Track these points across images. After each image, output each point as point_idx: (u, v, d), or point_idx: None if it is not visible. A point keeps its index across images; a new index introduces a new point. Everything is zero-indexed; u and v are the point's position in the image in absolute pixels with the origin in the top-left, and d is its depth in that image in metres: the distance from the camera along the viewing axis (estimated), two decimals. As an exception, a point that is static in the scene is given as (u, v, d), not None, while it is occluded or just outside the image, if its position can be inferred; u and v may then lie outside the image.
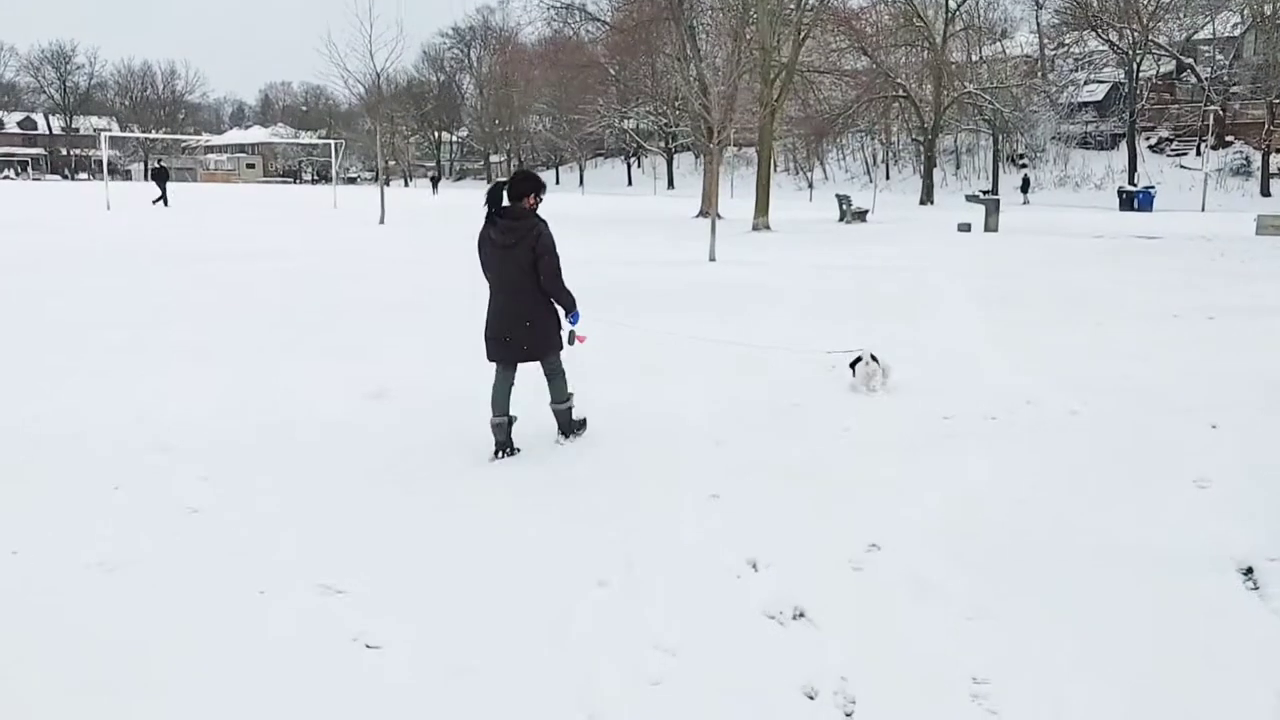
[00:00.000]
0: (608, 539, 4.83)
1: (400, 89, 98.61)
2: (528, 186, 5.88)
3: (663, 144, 70.71)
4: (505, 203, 5.91)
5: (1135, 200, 44.62)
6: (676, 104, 44.31)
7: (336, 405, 7.39)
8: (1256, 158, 51.87)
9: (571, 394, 6.31)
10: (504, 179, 6.08)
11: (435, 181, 72.15)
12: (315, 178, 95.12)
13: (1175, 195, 48.68)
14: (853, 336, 9.88)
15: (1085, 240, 24.68)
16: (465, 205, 43.72)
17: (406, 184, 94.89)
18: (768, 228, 29.20)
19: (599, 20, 47.80)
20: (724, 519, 5.14)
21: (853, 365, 8.10)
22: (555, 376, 6.23)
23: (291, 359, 9.10)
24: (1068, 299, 13.73)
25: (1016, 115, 57.08)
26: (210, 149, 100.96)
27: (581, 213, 39.29)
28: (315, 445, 6.39)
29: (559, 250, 5.94)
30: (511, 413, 6.11)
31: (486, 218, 5.88)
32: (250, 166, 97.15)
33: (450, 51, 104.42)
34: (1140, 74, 55.71)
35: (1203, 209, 43.99)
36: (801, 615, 4.12)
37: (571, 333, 6.11)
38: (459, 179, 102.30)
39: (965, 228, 27.64)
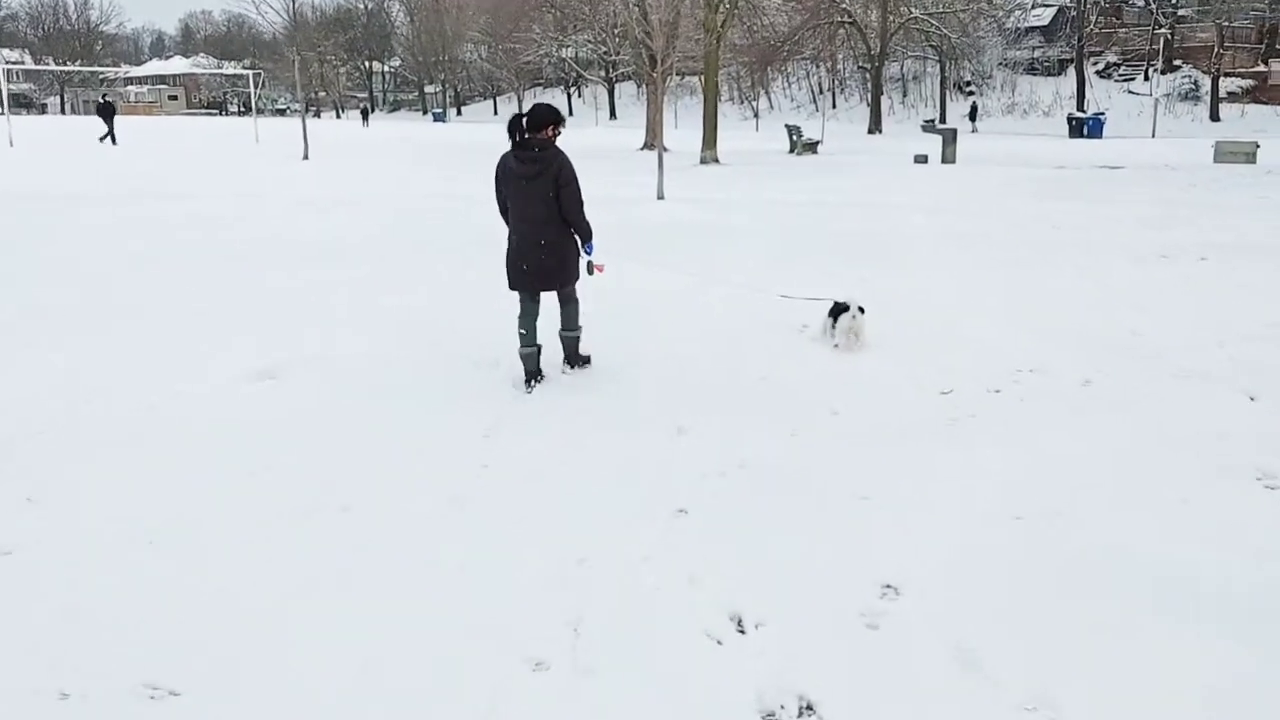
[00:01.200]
0: (549, 605, 3.67)
1: (327, 17, 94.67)
2: (549, 118, 5.87)
3: (603, 73, 68.56)
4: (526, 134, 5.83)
5: (1085, 127, 44.00)
6: (617, 31, 42.41)
7: (222, 384, 6.12)
8: (1205, 82, 51.22)
9: (580, 326, 6.42)
10: (521, 112, 5.99)
11: (365, 113, 69.24)
12: (242, 109, 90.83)
13: (1125, 122, 48.06)
14: (822, 282, 8.91)
15: (1048, 170, 23.80)
16: (396, 137, 41.95)
17: (338, 115, 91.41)
18: (716, 161, 27.88)
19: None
20: (694, 549, 4.03)
21: (833, 314, 7.05)
22: (569, 304, 6.33)
23: (152, 337, 7.72)
24: (1046, 236, 12.78)
25: (963, 41, 55.73)
26: (130, 81, 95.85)
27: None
28: (202, 434, 5.14)
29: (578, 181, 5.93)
30: (539, 341, 6.21)
31: (510, 148, 5.86)
32: (173, 98, 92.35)
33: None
34: (1088, -3, 54.67)
35: (1153, 135, 43.57)
36: (809, 710, 3.05)
37: (590, 263, 6.15)
38: (393, 110, 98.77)
39: (922, 159, 26.58)
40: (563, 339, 6.43)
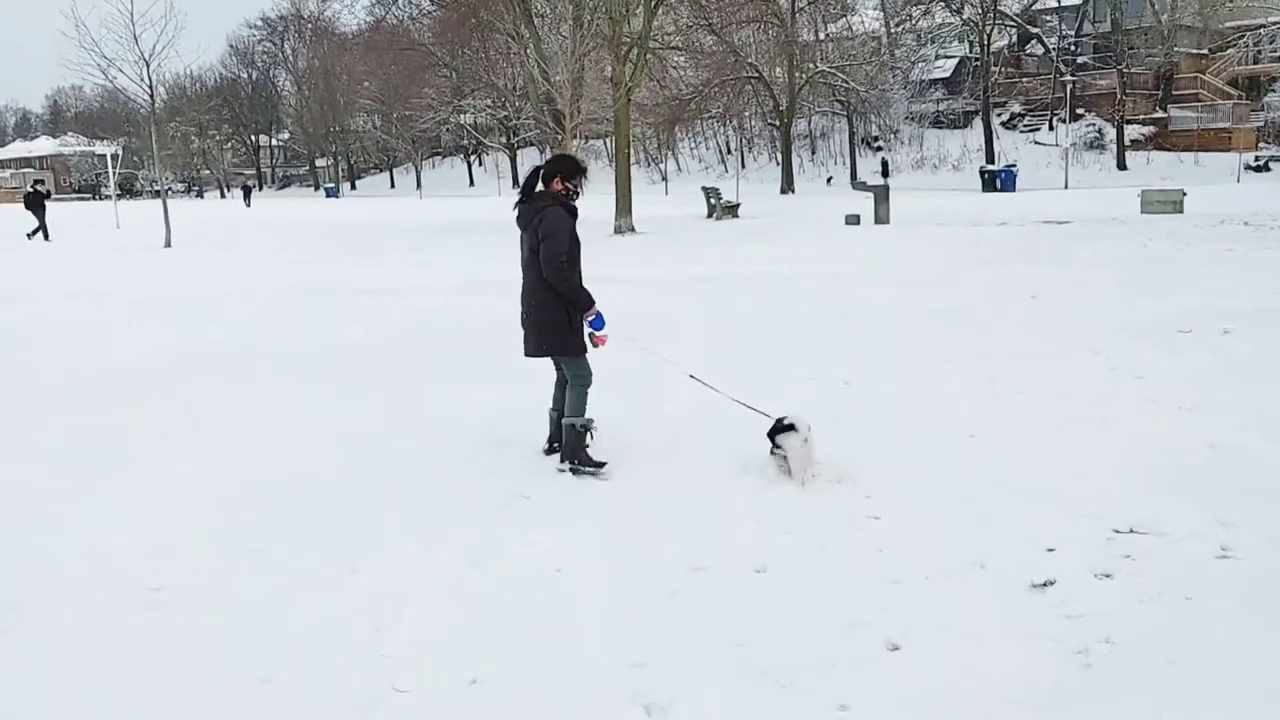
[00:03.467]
0: None
1: (208, 89, 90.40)
2: (555, 168, 5.56)
3: (504, 139, 66.26)
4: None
5: (998, 180, 43.20)
6: (517, 92, 40.10)
7: None
8: (1109, 130, 51.41)
9: (590, 421, 5.62)
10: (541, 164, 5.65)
11: (248, 192, 63.03)
12: (119, 192, 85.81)
13: (1034, 173, 47.51)
14: (796, 389, 7.08)
15: (992, 229, 21.91)
16: (281, 223, 38.11)
17: (223, 195, 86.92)
18: (632, 229, 25.44)
19: None
20: None
21: (775, 436, 5.34)
22: (572, 386, 5.66)
23: None
24: (1032, 311, 10.73)
25: (871, 94, 55.08)
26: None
27: (417, 220, 34.84)
28: None
29: (565, 239, 5.40)
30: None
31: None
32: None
33: (261, 45, 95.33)
34: (990, 46, 54.53)
35: (1065, 186, 42.89)
36: None
37: (591, 334, 5.54)
38: (283, 186, 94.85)
39: (854, 220, 24.49)
40: (563, 427, 5.65)
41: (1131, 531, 4.50)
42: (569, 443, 5.59)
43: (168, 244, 24.37)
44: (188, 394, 7.69)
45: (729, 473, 5.42)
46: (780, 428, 5.25)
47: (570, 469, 5.53)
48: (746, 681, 3.33)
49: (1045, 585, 4.01)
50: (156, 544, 4.59)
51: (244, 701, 3.29)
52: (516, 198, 5.60)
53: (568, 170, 5.51)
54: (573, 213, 5.51)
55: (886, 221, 24.39)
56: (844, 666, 3.42)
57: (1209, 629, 3.63)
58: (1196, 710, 3.12)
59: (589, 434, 5.61)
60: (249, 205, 55.51)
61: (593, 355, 5.60)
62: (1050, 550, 4.34)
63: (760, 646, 3.56)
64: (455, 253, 20.39)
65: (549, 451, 5.83)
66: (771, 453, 5.34)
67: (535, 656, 3.55)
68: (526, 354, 5.70)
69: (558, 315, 5.46)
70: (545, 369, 5.84)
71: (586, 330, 5.50)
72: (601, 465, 5.58)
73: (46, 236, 27.93)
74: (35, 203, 28.56)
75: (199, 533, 4.74)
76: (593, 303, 5.48)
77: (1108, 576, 4.08)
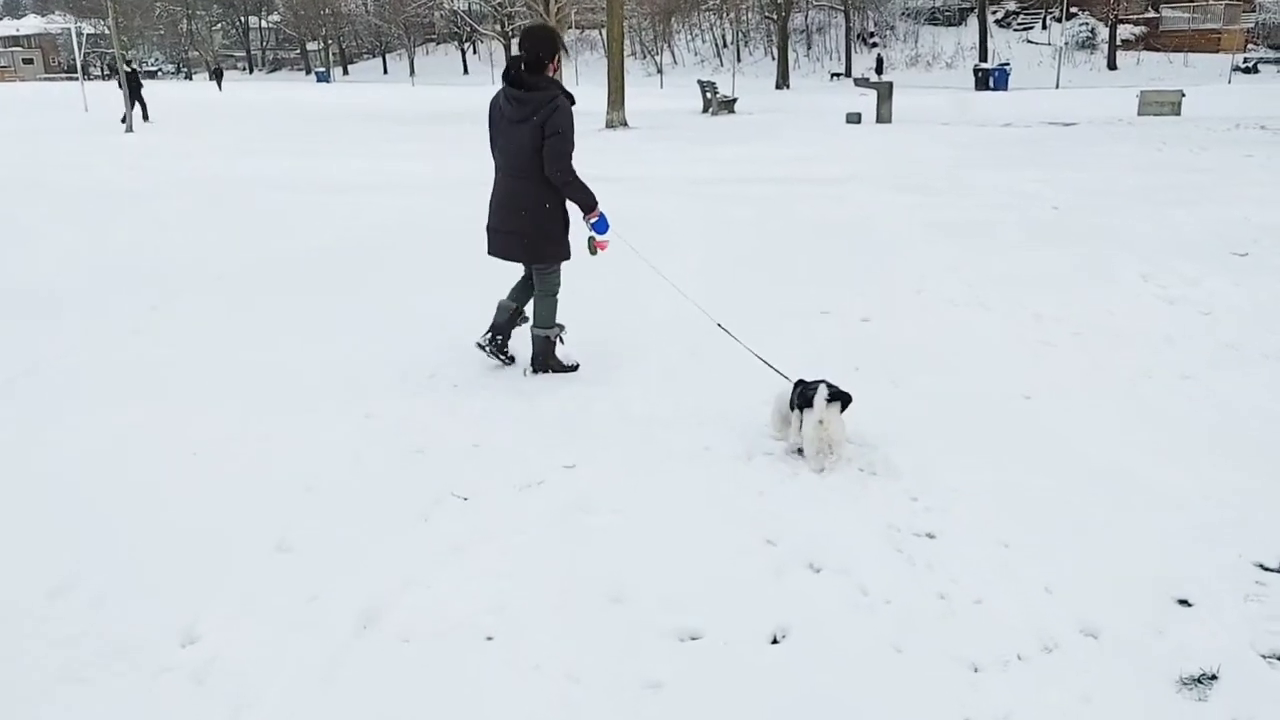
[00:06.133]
0: None
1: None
2: (552, 48, 4.88)
3: (498, 27, 64.14)
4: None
5: (990, 79, 42.48)
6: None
7: None
8: (1102, 30, 50.40)
9: (560, 327, 5.32)
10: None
11: (218, 74, 59.38)
12: (107, 72, 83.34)
13: (1025, 72, 46.86)
14: (806, 326, 6.27)
15: (996, 130, 21.27)
16: (252, 105, 36.94)
17: (211, 78, 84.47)
18: (624, 124, 24.70)
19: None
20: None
21: (799, 404, 4.19)
22: (543, 294, 5.20)
23: None
24: (1061, 226, 9.81)
25: (870, -13, 53.59)
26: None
27: (406, 110, 33.88)
28: None
29: (573, 134, 4.84)
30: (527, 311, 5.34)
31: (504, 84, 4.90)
32: (28, 62, 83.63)
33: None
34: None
35: (1057, 86, 42.03)
36: None
37: (591, 238, 5.06)
38: (274, 70, 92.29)
39: (855, 118, 23.77)
40: (532, 337, 5.32)
41: (1282, 571, 3.34)
42: (540, 351, 5.30)
43: (129, 128, 23.45)
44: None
45: (730, 458, 4.30)
46: (805, 399, 4.14)
47: (539, 374, 5.28)
48: None
49: (1202, 681, 2.76)
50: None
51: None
52: (502, 85, 4.93)
53: (552, 45, 4.87)
54: (573, 101, 4.93)
55: (889, 120, 23.68)
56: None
57: None
58: None
59: (559, 340, 5.37)
60: (220, 89, 53.43)
61: (592, 262, 5.20)
62: (1184, 604, 3.13)
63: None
64: (449, 140, 19.76)
65: (483, 345, 5.34)
66: (795, 421, 4.29)
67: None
68: (502, 254, 5.15)
69: (553, 217, 4.99)
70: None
71: (587, 234, 5.03)
72: (574, 368, 5.34)
73: (146, 116, 26.21)
74: (131, 83, 25.38)
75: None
76: (596, 203, 4.99)
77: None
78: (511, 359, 5.45)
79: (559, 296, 5.24)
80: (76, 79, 41.50)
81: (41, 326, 6.40)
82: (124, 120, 24.47)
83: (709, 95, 29.45)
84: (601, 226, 5.02)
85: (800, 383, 4.27)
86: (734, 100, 29.63)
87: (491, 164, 5.09)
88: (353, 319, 6.60)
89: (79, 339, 6.13)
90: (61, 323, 6.51)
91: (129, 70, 26.36)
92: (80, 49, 47.37)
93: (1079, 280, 7.60)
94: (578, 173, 4.90)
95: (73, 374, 5.45)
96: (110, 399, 5.01)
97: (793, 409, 4.26)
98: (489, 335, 5.33)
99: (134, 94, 25.36)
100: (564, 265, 5.23)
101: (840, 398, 4.09)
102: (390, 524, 3.63)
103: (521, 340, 5.47)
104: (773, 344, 5.21)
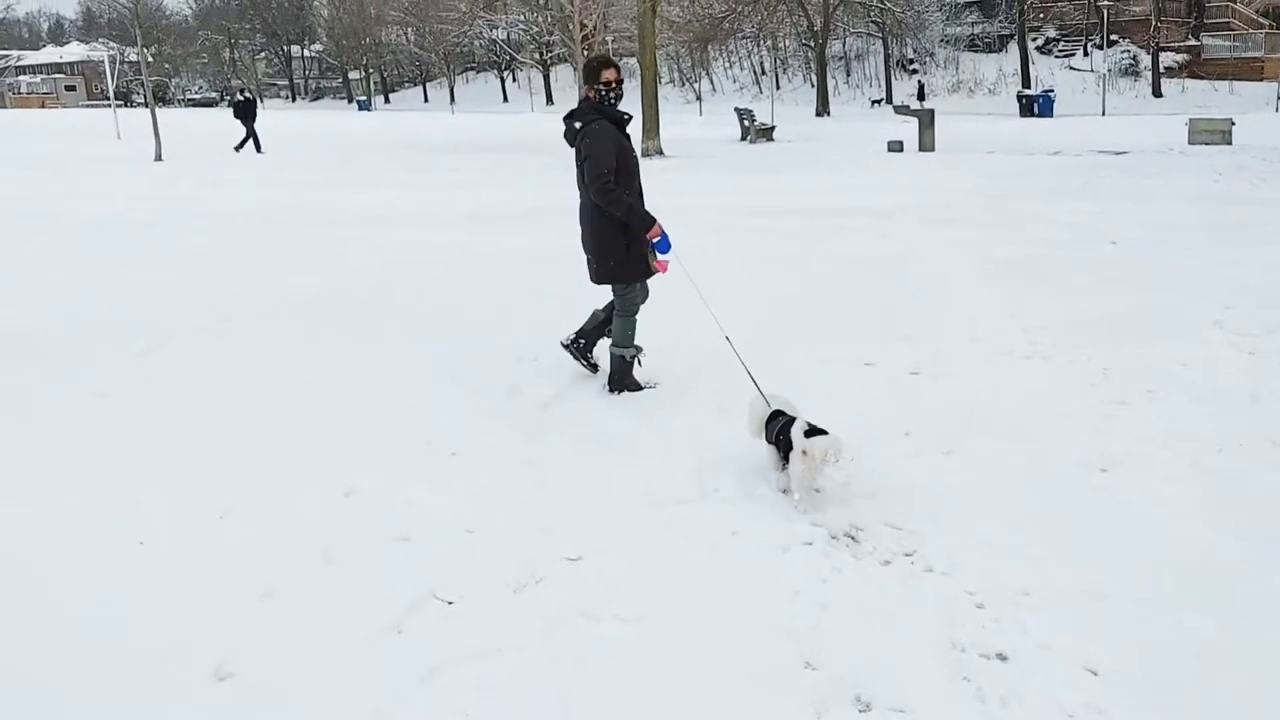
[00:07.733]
0: None
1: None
2: (584, 75, 5.24)
3: (537, 55, 64.43)
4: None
5: (1035, 105, 41.55)
6: (547, 7, 38.60)
7: None
8: (1143, 57, 49.85)
9: (638, 349, 5.43)
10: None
11: (244, 108, 58.94)
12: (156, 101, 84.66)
13: (1069, 99, 46.09)
14: (852, 376, 5.91)
15: (1045, 159, 20.51)
16: (290, 134, 36.42)
17: (236, 114, 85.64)
18: (660, 152, 24.23)
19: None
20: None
21: (777, 441, 4.19)
22: (621, 313, 5.37)
23: None
24: (1121, 265, 9.13)
25: (906, 15, 53.00)
26: (22, 70, 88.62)
27: (446, 139, 33.45)
28: None
29: (609, 156, 4.98)
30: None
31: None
32: (70, 89, 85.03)
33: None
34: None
35: (1103, 113, 41.12)
36: None
37: (650, 256, 5.16)
38: (316, 98, 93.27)
39: (896, 146, 23.13)
40: (610, 354, 5.48)
41: None
42: (616, 370, 5.45)
43: (158, 157, 23.35)
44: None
45: (761, 547, 3.71)
46: (780, 429, 4.10)
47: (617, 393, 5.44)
48: None
49: None
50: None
51: None
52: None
53: (589, 72, 5.10)
54: (619, 121, 5.13)
55: (931, 149, 23.00)
56: None
57: None
58: None
59: (637, 361, 5.48)
60: (250, 129, 51.17)
61: (653, 282, 5.35)
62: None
63: None
64: (486, 170, 19.36)
65: (567, 345, 5.65)
66: (779, 462, 4.19)
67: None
68: (590, 276, 5.42)
69: (611, 239, 5.16)
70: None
71: (649, 255, 5.18)
72: (651, 387, 5.52)
73: (258, 148, 25.99)
74: (245, 112, 26.01)
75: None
76: (654, 222, 5.10)
77: None
78: (595, 367, 5.68)
79: (637, 318, 5.38)
80: (118, 105, 41.87)
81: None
82: (237, 149, 25.17)
83: (746, 123, 28.96)
84: (663, 246, 5.12)
85: (777, 413, 4.23)
86: (772, 128, 29.11)
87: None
88: (349, 370, 6.06)
89: (37, 397, 5.56)
90: (21, 378, 5.95)
91: (245, 99, 26.54)
92: (113, 77, 47.78)
93: (1145, 327, 6.91)
94: (619, 192, 4.99)
95: (16, 438, 4.91)
96: (56, 471, 4.47)
97: (769, 442, 4.23)
98: (573, 337, 5.64)
99: (247, 123, 25.73)
100: (649, 283, 5.39)
101: (816, 433, 3.95)
102: (357, 638, 3.07)
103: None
104: (810, 402, 4.54)
